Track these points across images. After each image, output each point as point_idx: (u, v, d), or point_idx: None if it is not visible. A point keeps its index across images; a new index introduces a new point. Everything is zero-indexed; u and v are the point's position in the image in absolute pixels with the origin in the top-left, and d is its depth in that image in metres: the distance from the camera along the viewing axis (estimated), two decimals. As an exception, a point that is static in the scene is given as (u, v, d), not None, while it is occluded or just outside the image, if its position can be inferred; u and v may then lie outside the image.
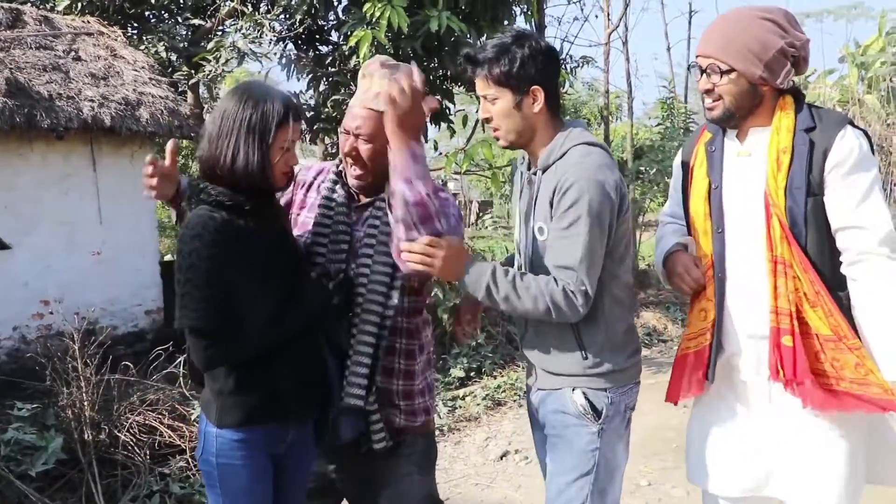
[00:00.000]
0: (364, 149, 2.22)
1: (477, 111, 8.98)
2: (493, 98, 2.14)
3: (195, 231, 1.97)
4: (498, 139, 2.21)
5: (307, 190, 2.44)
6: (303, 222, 2.37)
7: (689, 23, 13.65)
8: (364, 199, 2.34)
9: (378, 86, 2.19)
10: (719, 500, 2.34)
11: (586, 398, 2.16)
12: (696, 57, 2.19)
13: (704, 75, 2.15)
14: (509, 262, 2.47)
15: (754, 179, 2.14)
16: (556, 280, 2.06)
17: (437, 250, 2.01)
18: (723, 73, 2.11)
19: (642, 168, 11.98)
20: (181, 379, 4.70)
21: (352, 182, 2.31)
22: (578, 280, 2.03)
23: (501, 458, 4.95)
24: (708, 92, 2.16)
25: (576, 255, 2.03)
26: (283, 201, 2.39)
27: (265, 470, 2.16)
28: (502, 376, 6.61)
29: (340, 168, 2.36)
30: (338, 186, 2.35)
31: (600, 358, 2.16)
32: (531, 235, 2.18)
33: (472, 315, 2.48)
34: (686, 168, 2.37)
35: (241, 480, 2.11)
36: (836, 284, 2.08)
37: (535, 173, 2.19)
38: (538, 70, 2.11)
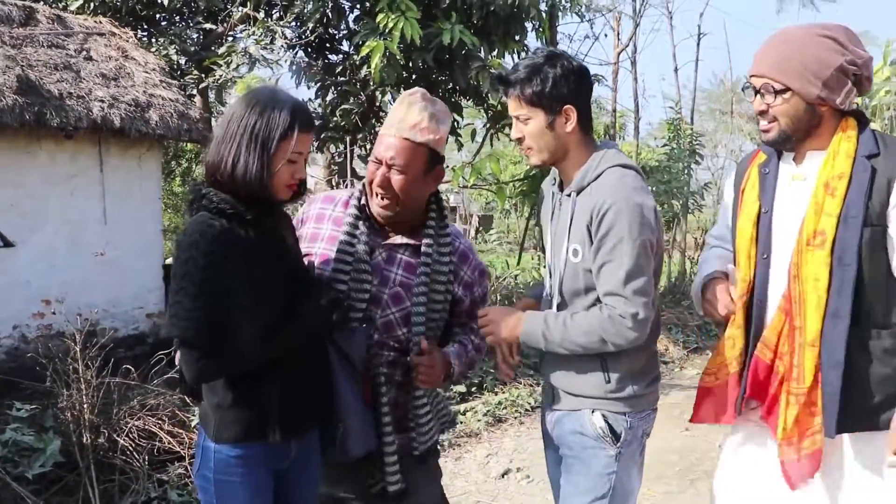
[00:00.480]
0: (396, 179, 2.18)
1: (484, 125, 9.03)
2: (526, 118, 2.13)
3: (192, 238, 1.89)
4: (529, 158, 2.20)
5: (317, 221, 2.36)
6: (322, 255, 2.28)
7: (698, 45, 13.65)
8: (393, 236, 2.30)
9: (417, 117, 2.17)
10: None
11: (606, 421, 2.13)
12: (750, 77, 2.08)
13: (758, 96, 2.05)
14: (538, 288, 2.46)
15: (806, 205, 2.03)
16: (603, 308, 2.05)
17: (493, 318, 2.21)
18: (777, 92, 2.00)
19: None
20: (181, 387, 4.64)
21: (377, 212, 2.25)
22: (625, 303, 2.01)
23: (503, 476, 4.90)
24: (762, 113, 2.05)
25: (620, 278, 2.01)
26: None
27: (264, 487, 2.10)
28: (503, 392, 6.56)
29: (363, 201, 2.30)
30: (361, 223, 2.28)
31: (622, 383, 2.14)
32: (565, 257, 2.15)
33: (512, 348, 2.36)
34: (737, 189, 2.26)
35: (239, 499, 2.05)
36: (884, 319, 1.97)
37: (568, 195, 2.16)
38: (570, 90, 2.10)
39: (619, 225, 2.00)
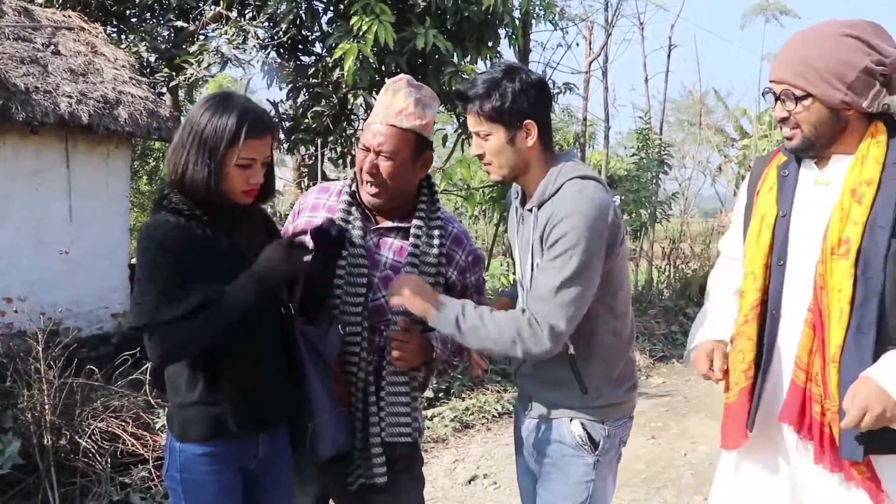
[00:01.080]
0: (384, 166, 2.20)
1: (456, 130, 9.01)
2: (486, 134, 2.08)
3: (147, 231, 1.95)
4: (490, 174, 2.16)
5: (312, 210, 2.39)
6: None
7: (668, 56, 13.76)
8: (384, 221, 2.32)
9: (402, 103, 2.19)
10: None
11: (584, 429, 2.13)
12: (770, 82, 1.97)
13: (779, 102, 1.93)
14: (513, 290, 2.45)
15: (830, 211, 1.89)
16: (526, 311, 2.01)
17: (410, 281, 2.13)
18: (798, 99, 1.88)
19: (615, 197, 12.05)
20: (146, 386, 4.58)
21: (367, 199, 2.28)
22: (548, 313, 1.96)
23: (470, 482, 4.89)
24: (784, 120, 1.94)
25: (552, 286, 1.97)
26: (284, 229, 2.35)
27: (232, 486, 2.09)
28: (471, 398, 6.56)
29: (353, 188, 2.33)
30: (353, 209, 2.31)
31: (599, 392, 2.13)
32: (530, 273, 2.13)
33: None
34: (752, 191, 2.12)
35: (206, 497, 2.05)
36: None
37: (530, 210, 2.13)
38: (530, 104, 2.06)
39: (569, 236, 1.96)
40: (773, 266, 1.98)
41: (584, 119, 12.62)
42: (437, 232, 2.32)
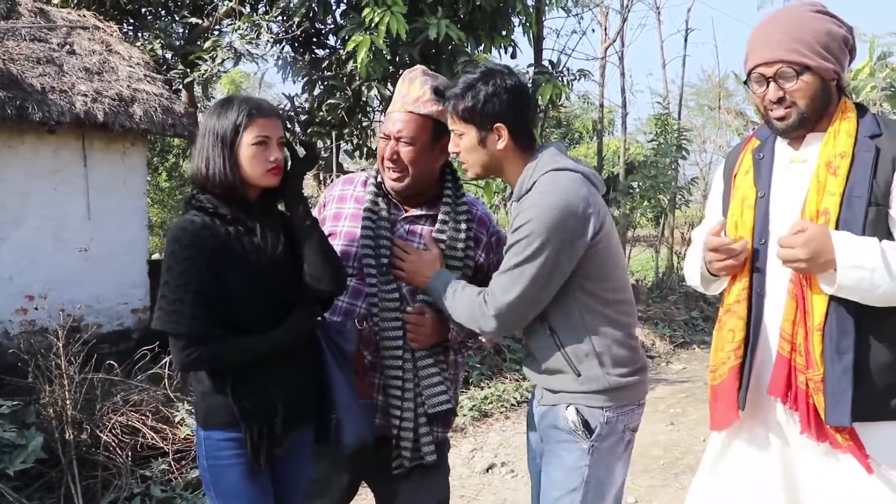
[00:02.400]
0: (405, 151, 2.28)
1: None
2: (460, 133, 2.16)
3: (175, 233, 2.02)
4: (466, 172, 2.25)
5: (339, 201, 2.46)
6: (347, 232, 2.38)
7: (685, 40, 13.68)
8: (412, 210, 2.40)
9: (419, 91, 2.28)
10: None
11: (580, 415, 2.13)
12: (755, 67, 1.98)
13: (771, 85, 1.95)
14: None
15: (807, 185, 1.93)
16: (484, 290, 2.13)
17: (411, 256, 2.29)
18: (798, 74, 1.90)
19: (633, 183, 12.01)
20: (166, 380, 4.64)
21: (391, 185, 2.35)
22: (494, 292, 2.08)
23: (487, 471, 4.91)
24: (779, 101, 1.95)
25: (503, 268, 2.08)
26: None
27: (258, 470, 2.10)
28: (490, 387, 6.57)
29: (379, 179, 2.40)
30: (380, 199, 2.38)
31: (595, 376, 2.13)
32: None
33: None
34: (729, 176, 2.16)
35: (230, 481, 2.08)
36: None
37: (513, 205, 2.19)
38: (503, 108, 2.11)
39: (529, 224, 2.01)
40: (756, 246, 2.01)
41: (601, 105, 12.55)
42: (463, 217, 2.39)
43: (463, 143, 2.16)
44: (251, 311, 2.06)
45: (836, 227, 1.84)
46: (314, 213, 2.43)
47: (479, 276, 2.38)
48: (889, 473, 1.89)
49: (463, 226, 2.37)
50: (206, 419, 2.10)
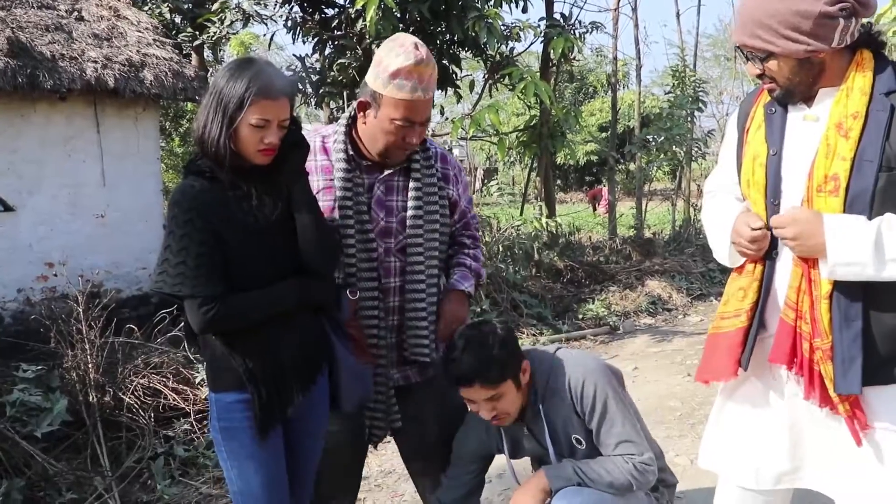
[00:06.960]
0: (421, 131, 2.31)
1: (483, 76, 8.82)
2: (500, 395, 2.33)
3: (175, 198, 2.02)
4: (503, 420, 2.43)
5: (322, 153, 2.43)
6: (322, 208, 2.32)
7: (700, -11, 13.43)
8: (388, 170, 2.39)
9: (430, 68, 2.22)
10: (736, 487, 2.14)
11: None
12: (736, 46, 1.94)
13: (750, 62, 1.90)
14: None
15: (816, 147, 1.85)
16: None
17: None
18: (762, 60, 1.85)
19: (649, 136, 11.88)
20: (185, 342, 4.70)
21: (397, 156, 2.34)
22: (633, 452, 2.39)
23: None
24: (760, 76, 1.91)
25: (611, 429, 2.43)
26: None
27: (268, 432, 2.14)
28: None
29: (351, 153, 2.37)
30: (355, 169, 2.37)
31: None
32: None
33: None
34: (741, 130, 2.06)
35: (243, 442, 2.10)
36: None
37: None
38: (514, 348, 2.38)
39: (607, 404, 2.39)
40: (767, 206, 1.94)
41: (615, 59, 12.38)
42: (431, 160, 2.45)
43: (507, 401, 2.35)
44: (250, 272, 2.05)
45: (846, 195, 1.77)
46: None
47: (454, 212, 2.53)
48: (890, 435, 1.86)
49: (434, 169, 2.44)
50: (216, 382, 2.12)
